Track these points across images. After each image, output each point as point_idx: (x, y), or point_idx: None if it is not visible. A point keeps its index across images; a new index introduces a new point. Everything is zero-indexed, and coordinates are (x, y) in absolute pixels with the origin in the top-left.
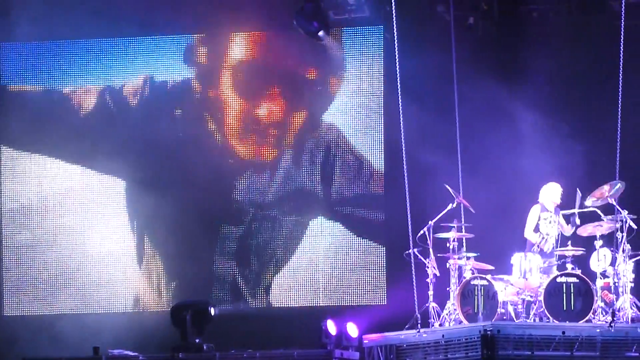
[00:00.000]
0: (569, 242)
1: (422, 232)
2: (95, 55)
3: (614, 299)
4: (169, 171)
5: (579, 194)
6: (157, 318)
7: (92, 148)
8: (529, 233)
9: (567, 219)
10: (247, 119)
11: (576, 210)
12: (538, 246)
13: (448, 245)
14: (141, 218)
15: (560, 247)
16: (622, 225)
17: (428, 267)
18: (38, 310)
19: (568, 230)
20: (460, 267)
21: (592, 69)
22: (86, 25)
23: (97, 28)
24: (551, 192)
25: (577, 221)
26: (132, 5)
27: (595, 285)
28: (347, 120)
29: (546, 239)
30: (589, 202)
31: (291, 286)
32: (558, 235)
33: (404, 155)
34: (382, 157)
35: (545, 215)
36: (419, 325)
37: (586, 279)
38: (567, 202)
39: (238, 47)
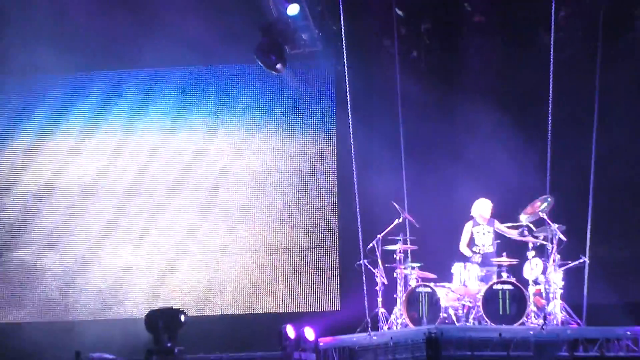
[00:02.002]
0: (504, 253)
1: (371, 245)
2: None
3: (545, 304)
4: None
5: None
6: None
7: None
8: (463, 247)
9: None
10: None
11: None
12: (478, 255)
13: (395, 256)
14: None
15: (496, 257)
16: (553, 237)
17: (377, 277)
18: (25, 318)
19: (515, 235)
20: (406, 276)
21: (525, 95)
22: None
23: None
24: (481, 208)
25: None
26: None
27: (528, 291)
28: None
29: (482, 250)
30: (523, 217)
31: (254, 294)
32: (494, 244)
33: (354, 176)
34: (336, 178)
35: (478, 228)
36: (369, 328)
37: (520, 286)
38: (502, 213)
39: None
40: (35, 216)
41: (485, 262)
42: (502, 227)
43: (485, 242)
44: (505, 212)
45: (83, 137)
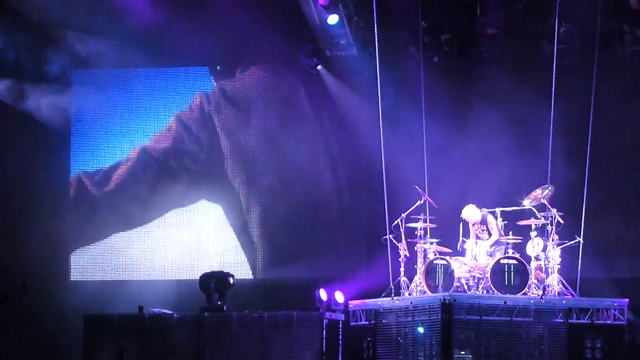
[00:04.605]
0: (510, 232)
1: (396, 222)
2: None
3: (545, 277)
4: None
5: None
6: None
7: None
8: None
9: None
10: None
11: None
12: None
13: (416, 232)
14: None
15: (503, 236)
16: (552, 220)
17: (400, 250)
18: (97, 277)
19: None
20: (425, 250)
21: (530, 97)
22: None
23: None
24: (467, 213)
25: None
26: None
27: (530, 266)
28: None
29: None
30: (526, 202)
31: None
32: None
33: (382, 163)
34: (366, 164)
35: (473, 228)
36: (392, 294)
37: (523, 261)
38: (508, 199)
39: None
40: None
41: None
42: (492, 224)
43: (482, 236)
44: (510, 198)
45: None
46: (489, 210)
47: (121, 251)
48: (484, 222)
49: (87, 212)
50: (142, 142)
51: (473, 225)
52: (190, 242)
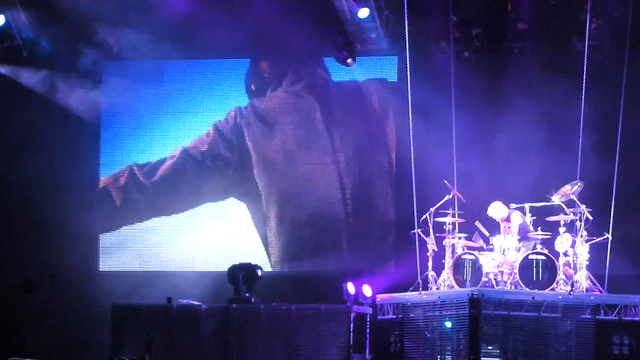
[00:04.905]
0: (539, 228)
1: (424, 216)
2: None
3: (573, 273)
4: None
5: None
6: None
7: None
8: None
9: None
10: None
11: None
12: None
13: (444, 227)
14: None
15: (532, 232)
16: (581, 216)
17: (428, 244)
18: (126, 267)
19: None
20: (453, 245)
21: (560, 93)
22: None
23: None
24: (492, 210)
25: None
26: None
27: (558, 262)
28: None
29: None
30: (555, 198)
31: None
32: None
33: (412, 157)
34: (395, 159)
35: (502, 224)
36: (420, 288)
37: (552, 256)
38: (537, 194)
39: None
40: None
41: (526, 234)
42: (515, 223)
43: (504, 233)
44: (540, 193)
45: None
46: (518, 205)
47: (151, 242)
48: (509, 219)
49: (131, 201)
50: (184, 143)
51: (501, 221)
52: (218, 236)
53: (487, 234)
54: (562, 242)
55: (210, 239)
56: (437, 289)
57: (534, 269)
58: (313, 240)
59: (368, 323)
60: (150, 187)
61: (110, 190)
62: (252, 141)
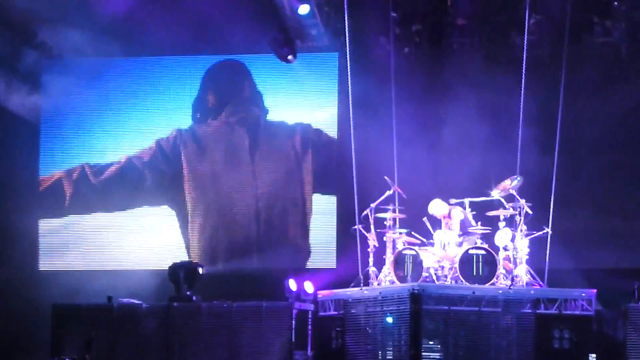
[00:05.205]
0: (479, 223)
1: (365, 212)
2: None
3: (513, 268)
4: None
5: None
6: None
7: None
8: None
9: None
10: None
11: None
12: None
13: (385, 223)
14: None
15: (473, 227)
16: (520, 210)
17: (369, 240)
18: (66, 267)
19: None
20: (394, 240)
21: (500, 88)
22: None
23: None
24: (433, 208)
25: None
26: None
27: (498, 256)
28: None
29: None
30: (494, 192)
31: (261, 252)
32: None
33: (353, 153)
34: (336, 155)
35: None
36: (361, 284)
37: (491, 251)
38: (477, 189)
39: None
40: None
41: (467, 230)
42: (455, 219)
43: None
44: (480, 188)
45: None
46: (457, 201)
47: (90, 241)
48: (450, 216)
49: (80, 194)
50: (127, 147)
51: (442, 218)
52: (154, 237)
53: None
54: (502, 236)
55: (147, 240)
56: (378, 284)
57: (474, 263)
58: (251, 237)
59: (310, 319)
60: (97, 185)
61: (62, 181)
62: (186, 159)
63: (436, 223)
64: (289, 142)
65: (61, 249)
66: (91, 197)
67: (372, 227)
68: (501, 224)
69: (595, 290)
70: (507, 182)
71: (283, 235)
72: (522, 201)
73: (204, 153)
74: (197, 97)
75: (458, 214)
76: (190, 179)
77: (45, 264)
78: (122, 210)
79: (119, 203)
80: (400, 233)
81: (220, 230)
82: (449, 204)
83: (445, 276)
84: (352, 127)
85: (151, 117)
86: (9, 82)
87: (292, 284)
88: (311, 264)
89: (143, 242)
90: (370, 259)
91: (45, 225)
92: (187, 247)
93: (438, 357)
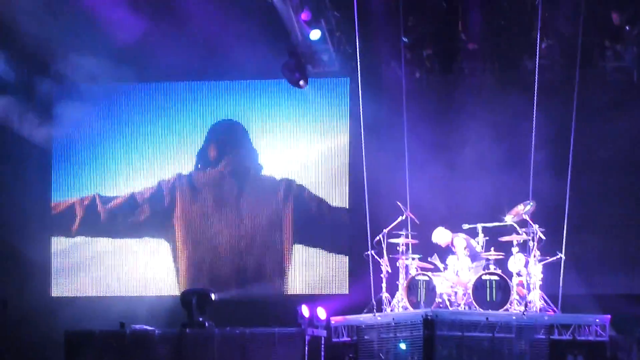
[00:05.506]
0: (492, 248)
1: (378, 238)
2: None
3: (527, 293)
4: None
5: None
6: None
7: None
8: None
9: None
10: None
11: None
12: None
13: (398, 248)
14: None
15: (484, 252)
16: (533, 236)
17: (382, 266)
18: (79, 293)
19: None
20: (407, 266)
21: (511, 112)
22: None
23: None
24: (436, 237)
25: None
26: None
27: (512, 282)
28: (319, 150)
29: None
30: (507, 218)
31: (274, 278)
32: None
33: (365, 178)
34: (348, 181)
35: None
36: (374, 310)
37: (505, 277)
38: (490, 214)
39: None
40: None
41: (475, 256)
42: (459, 247)
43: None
44: (492, 213)
45: None
46: (470, 226)
47: (103, 267)
48: (453, 244)
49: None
50: (135, 187)
51: (444, 247)
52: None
53: (441, 267)
54: (515, 262)
55: (153, 267)
56: (391, 310)
57: (488, 289)
58: (265, 263)
59: (323, 346)
60: (103, 214)
61: (75, 207)
62: (180, 199)
63: (446, 250)
64: (273, 194)
65: (73, 274)
66: (97, 224)
67: (384, 252)
68: (514, 250)
69: (609, 316)
70: (520, 208)
71: (260, 271)
72: (535, 226)
73: (197, 195)
74: (201, 148)
75: (461, 242)
76: (181, 217)
77: (57, 289)
78: (123, 238)
79: (121, 231)
80: (413, 259)
81: (204, 265)
82: (462, 229)
83: (459, 302)
84: (363, 152)
85: (158, 159)
86: (23, 110)
87: (305, 310)
88: (324, 290)
89: (149, 269)
90: (383, 285)
91: (58, 246)
92: (177, 277)
93: None
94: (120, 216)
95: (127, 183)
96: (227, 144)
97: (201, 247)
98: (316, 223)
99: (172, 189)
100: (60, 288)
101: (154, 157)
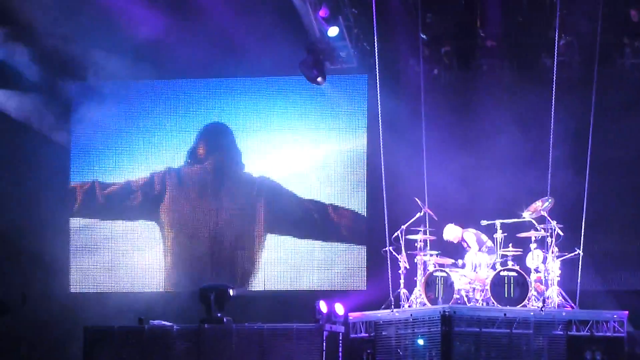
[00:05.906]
0: (510, 244)
1: (396, 234)
2: None
3: (545, 289)
4: None
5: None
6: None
7: None
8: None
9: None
10: None
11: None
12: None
13: (416, 244)
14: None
15: (503, 248)
16: (552, 232)
17: (400, 262)
18: (98, 289)
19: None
20: (425, 262)
21: (529, 109)
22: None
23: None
24: (447, 234)
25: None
26: None
27: (530, 278)
28: (337, 146)
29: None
30: (525, 214)
31: (292, 274)
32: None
33: (383, 175)
34: (366, 177)
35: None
36: (392, 306)
37: (523, 273)
38: (508, 210)
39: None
40: None
41: (493, 252)
42: (471, 241)
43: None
44: (511, 209)
45: None
46: (489, 222)
47: (120, 263)
48: (464, 239)
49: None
50: (131, 177)
51: (456, 243)
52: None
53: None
54: (533, 258)
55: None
56: (409, 306)
57: (506, 285)
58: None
59: (340, 341)
60: (101, 199)
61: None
62: (169, 189)
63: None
64: (248, 189)
65: (92, 270)
66: (94, 206)
67: (402, 248)
68: (532, 246)
69: (627, 312)
70: (538, 204)
71: (232, 259)
72: (553, 223)
73: (184, 186)
74: (192, 147)
75: (470, 235)
76: (169, 205)
77: (76, 286)
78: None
79: (117, 213)
80: (431, 255)
81: (184, 248)
82: (480, 225)
83: (477, 298)
84: (382, 148)
85: (150, 152)
86: (42, 106)
87: (323, 306)
88: (342, 285)
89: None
90: (401, 281)
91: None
92: (164, 258)
93: None
94: (116, 199)
95: (126, 171)
96: (214, 144)
97: (180, 233)
98: (331, 221)
99: (162, 179)
100: (78, 284)
101: (147, 150)
